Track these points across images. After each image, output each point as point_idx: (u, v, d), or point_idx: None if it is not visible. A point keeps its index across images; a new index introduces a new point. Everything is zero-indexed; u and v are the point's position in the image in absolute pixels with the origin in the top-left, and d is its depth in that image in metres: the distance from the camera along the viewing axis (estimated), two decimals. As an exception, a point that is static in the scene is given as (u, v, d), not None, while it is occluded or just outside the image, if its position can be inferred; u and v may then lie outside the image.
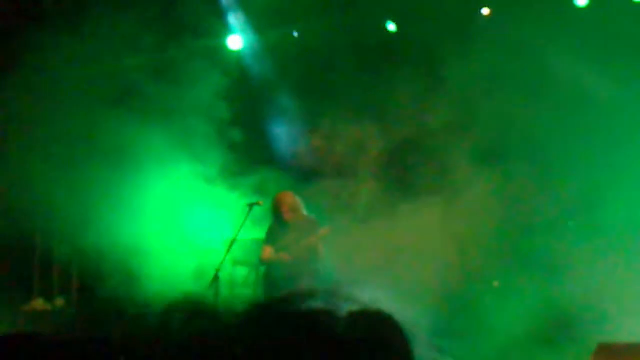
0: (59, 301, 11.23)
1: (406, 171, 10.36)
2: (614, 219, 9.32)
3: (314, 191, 10.27)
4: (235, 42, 11.58)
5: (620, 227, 9.34)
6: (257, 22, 10.95)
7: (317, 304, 1.83)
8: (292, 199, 10.02)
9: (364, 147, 10.42)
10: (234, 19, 11.13)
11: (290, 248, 9.85)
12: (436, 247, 9.72)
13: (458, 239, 9.69)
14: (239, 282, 10.65)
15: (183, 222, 10.57)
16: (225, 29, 11.28)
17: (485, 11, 10.45)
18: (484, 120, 9.65)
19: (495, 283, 10.14)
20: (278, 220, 10.01)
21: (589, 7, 10.00)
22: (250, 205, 9.88)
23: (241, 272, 10.69)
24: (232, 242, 9.73)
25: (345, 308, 1.81)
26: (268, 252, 9.94)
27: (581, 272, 9.18)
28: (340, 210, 10.21)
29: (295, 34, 11.02)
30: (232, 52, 11.55)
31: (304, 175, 10.81)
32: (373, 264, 9.52)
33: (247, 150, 10.86)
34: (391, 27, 10.96)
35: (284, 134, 11.24)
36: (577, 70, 9.61)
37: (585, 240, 9.45)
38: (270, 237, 10.00)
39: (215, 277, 9.40)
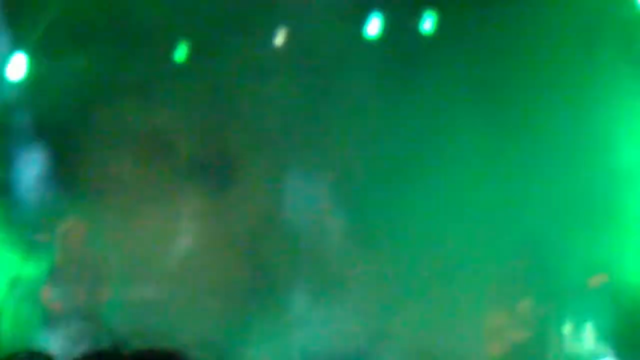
0: None
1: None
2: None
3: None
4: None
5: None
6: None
7: None
8: (79, 228, 9.95)
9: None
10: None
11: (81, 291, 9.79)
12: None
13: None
14: (24, 320, 10.40)
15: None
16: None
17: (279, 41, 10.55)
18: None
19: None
20: (63, 253, 9.91)
21: (380, 39, 10.21)
22: (35, 240, 9.91)
23: (26, 309, 10.43)
24: (15, 279, 9.72)
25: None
26: (46, 294, 9.87)
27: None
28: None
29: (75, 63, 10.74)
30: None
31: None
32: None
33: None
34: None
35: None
36: (376, 102, 9.96)
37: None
38: (54, 273, 9.86)
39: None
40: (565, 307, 9.33)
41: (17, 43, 10.67)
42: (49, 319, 9.90)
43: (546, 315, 9.29)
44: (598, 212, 9.50)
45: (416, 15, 10.05)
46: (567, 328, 9.19)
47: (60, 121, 10.30)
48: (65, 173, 10.11)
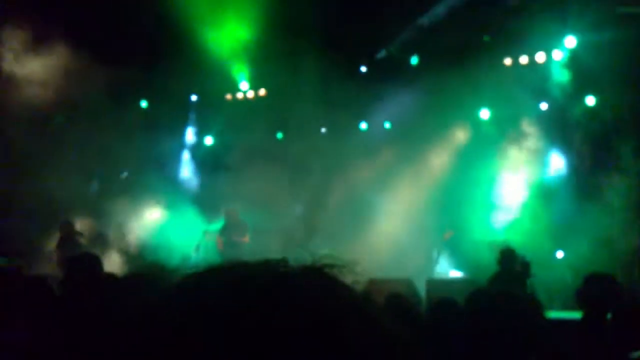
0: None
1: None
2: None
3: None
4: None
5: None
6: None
7: None
8: (235, 211, 17.54)
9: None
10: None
11: (234, 238, 17.05)
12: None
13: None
14: (214, 252, 17.36)
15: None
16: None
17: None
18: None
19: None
20: (228, 221, 17.52)
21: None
22: (214, 213, 18.31)
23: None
24: (205, 231, 17.87)
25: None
26: (219, 241, 17.42)
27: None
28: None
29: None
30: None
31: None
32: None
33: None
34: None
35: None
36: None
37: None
38: (223, 231, 17.43)
39: (197, 247, 17.48)
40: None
41: (210, 126, 19.21)
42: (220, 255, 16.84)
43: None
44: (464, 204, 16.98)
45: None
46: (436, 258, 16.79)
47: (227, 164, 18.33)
48: (232, 179, 17.49)
